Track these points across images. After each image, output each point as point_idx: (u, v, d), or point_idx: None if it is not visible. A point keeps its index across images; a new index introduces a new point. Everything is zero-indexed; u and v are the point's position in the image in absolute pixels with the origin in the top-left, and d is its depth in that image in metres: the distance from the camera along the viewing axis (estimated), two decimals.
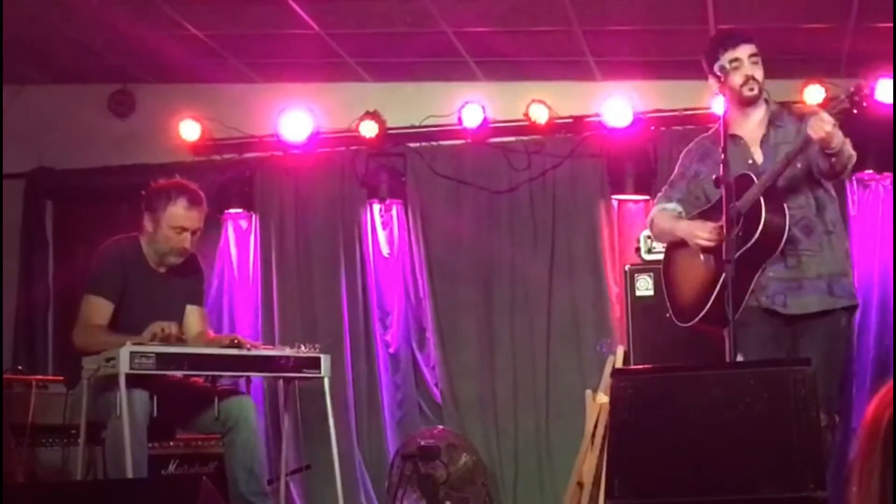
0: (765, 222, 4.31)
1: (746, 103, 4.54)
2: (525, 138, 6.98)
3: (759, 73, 4.51)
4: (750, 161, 4.51)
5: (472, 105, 6.88)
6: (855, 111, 4.23)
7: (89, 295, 4.91)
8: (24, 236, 7.44)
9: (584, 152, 6.88)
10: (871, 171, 6.51)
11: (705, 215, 4.61)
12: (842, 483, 5.77)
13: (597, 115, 6.79)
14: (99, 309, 4.89)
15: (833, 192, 4.61)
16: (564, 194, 6.91)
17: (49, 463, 5.59)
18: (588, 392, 5.60)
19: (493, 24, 6.27)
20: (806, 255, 4.43)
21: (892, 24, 5.73)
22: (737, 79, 4.49)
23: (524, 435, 6.83)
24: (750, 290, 4.43)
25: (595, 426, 5.32)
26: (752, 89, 4.51)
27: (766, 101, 4.64)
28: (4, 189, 7.32)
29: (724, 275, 4.31)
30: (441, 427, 6.82)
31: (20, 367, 6.18)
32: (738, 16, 5.96)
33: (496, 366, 6.92)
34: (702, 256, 4.57)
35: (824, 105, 5.80)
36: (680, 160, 4.84)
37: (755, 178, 4.40)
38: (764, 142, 4.53)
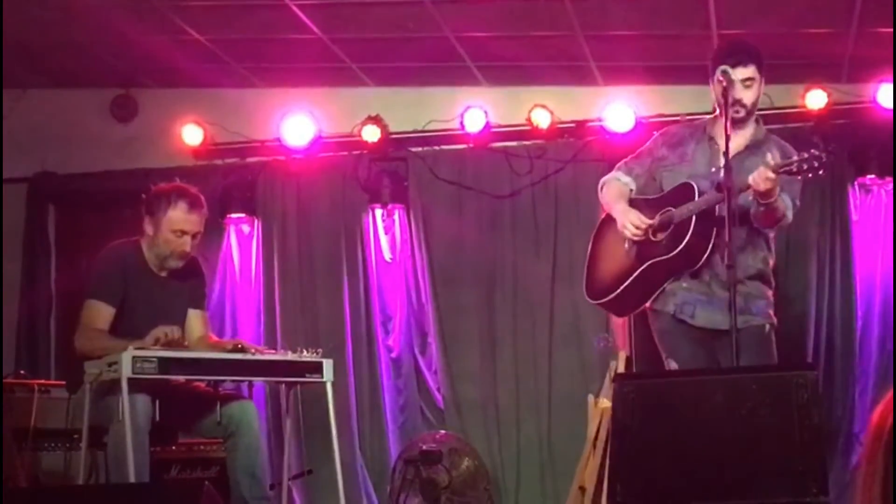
0: (688, 241, 4.40)
1: (731, 122, 4.48)
2: (527, 143, 6.98)
3: (749, 97, 4.50)
4: (714, 169, 4.53)
5: (474, 110, 6.89)
6: (811, 175, 4.22)
7: (90, 300, 4.91)
8: (26, 241, 7.45)
9: (587, 157, 6.88)
10: (872, 176, 6.52)
11: (649, 205, 4.68)
12: (843, 488, 5.83)
13: (599, 119, 6.80)
14: (100, 313, 4.88)
15: (769, 234, 4.63)
16: (567, 199, 6.91)
17: (51, 467, 5.58)
18: (590, 397, 5.59)
19: (495, 29, 6.28)
20: (717, 280, 4.48)
21: (892, 30, 5.73)
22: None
23: (526, 439, 6.83)
24: (655, 295, 4.58)
25: (597, 431, 5.31)
26: (737, 112, 4.50)
27: (757, 122, 4.67)
28: (7, 193, 7.33)
29: (637, 271, 4.56)
30: (443, 431, 6.82)
31: (22, 372, 6.19)
32: (740, 21, 5.97)
33: (498, 370, 6.92)
34: (626, 243, 4.66)
35: (824, 109, 5.85)
36: (654, 137, 4.87)
37: (696, 191, 4.45)
38: (736, 158, 4.44)
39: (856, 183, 6.57)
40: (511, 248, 6.98)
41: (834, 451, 6.25)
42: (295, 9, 5.95)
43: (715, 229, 4.42)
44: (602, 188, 4.89)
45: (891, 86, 6.29)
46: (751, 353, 4.41)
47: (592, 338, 6.71)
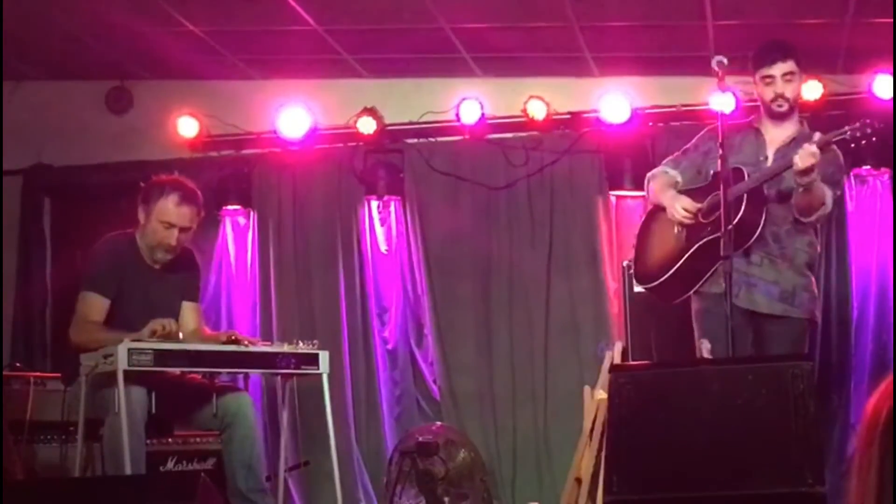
0: (741, 217, 4.53)
1: (776, 117, 4.79)
2: (523, 134, 6.97)
3: (790, 91, 4.77)
4: (762, 157, 4.78)
5: (469, 101, 6.87)
6: (864, 143, 4.51)
7: (85, 292, 4.91)
8: (21, 233, 7.43)
9: (582, 148, 6.88)
10: (868, 167, 6.51)
11: (698, 192, 4.84)
12: (840, 478, 5.85)
13: (594, 110, 6.79)
14: (95, 306, 4.89)
15: (815, 226, 4.84)
16: (562, 190, 6.91)
17: (47, 460, 5.59)
18: (586, 388, 5.58)
19: (490, 20, 6.27)
20: (768, 259, 4.66)
21: (890, 20, 5.73)
22: (768, 94, 4.77)
23: (522, 431, 6.83)
24: (708, 275, 4.67)
25: (593, 422, 5.31)
26: (780, 106, 4.77)
27: (802, 123, 4.91)
28: (2, 186, 7.32)
29: (689, 252, 4.70)
30: (439, 423, 6.81)
31: (18, 364, 6.19)
32: (735, 11, 5.96)
33: (494, 362, 6.92)
34: (676, 228, 4.83)
35: (819, 100, 5.86)
36: (701, 134, 5.05)
37: (746, 174, 4.64)
38: (780, 151, 4.76)
39: (851, 174, 6.57)
40: (507, 240, 6.98)
41: (830, 441, 6.25)
42: (290, 0, 5.94)
43: (765, 207, 4.62)
44: (649, 182, 5.08)
45: (887, 76, 6.28)
46: (782, 346, 4.56)
47: (589, 329, 6.72)
